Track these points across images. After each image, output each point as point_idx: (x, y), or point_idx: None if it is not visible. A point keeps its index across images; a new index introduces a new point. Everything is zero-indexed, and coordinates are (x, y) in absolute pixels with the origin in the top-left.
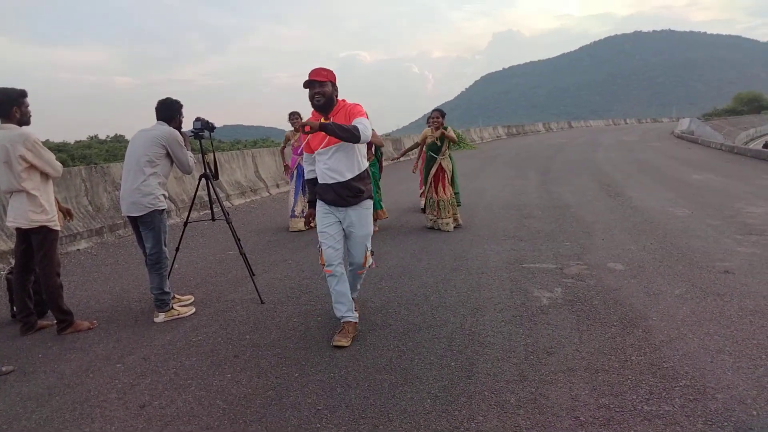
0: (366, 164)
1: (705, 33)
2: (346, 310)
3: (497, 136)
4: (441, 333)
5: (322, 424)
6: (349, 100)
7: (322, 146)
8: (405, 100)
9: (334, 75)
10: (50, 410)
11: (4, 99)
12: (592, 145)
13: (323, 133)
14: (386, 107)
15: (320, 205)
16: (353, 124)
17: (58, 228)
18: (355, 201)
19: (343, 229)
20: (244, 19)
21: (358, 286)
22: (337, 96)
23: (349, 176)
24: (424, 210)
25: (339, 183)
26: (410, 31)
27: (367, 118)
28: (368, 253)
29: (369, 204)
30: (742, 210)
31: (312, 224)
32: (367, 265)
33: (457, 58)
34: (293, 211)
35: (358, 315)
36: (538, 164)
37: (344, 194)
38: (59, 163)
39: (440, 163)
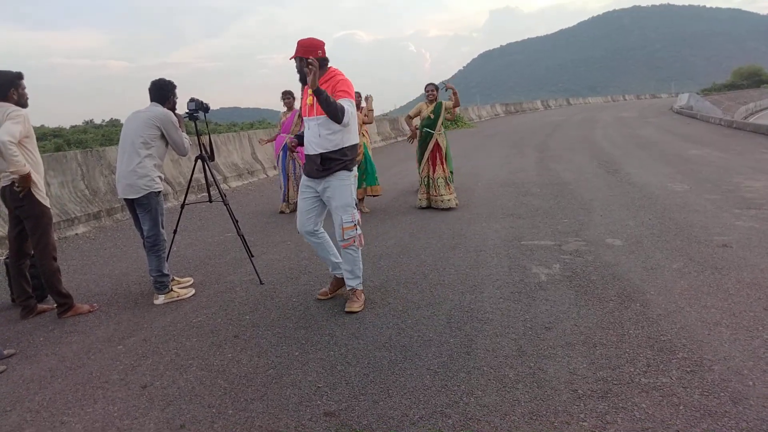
0: (354, 139)
1: (704, 7)
2: (332, 269)
3: (495, 114)
4: (440, 310)
5: (323, 401)
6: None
7: (310, 114)
8: (402, 80)
9: (316, 46)
10: (53, 392)
11: (1, 81)
12: (590, 122)
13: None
14: (383, 87)
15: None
16: (341, 104)
17: (47, 204)
18: (325, 174)
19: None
20: (239, 1)
21: (350, 267)
22: (327, 65)
23: (330, 149)
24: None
25: (317, 155)
26: (407, 9)
27: (354, 99)
28: (346, 226)
29: (344, 175)
30: (741, 184)
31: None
32: (345, 238)
33: (454, 36)
34: (285, 195)
35: (357, 284)
36: (537, 142)
37: (315, 167)
38: (10, 134)
39: (436, 140)
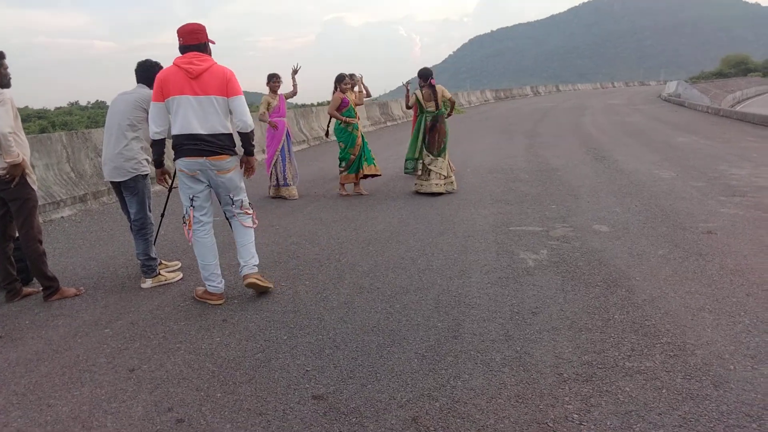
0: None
1: None
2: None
3: (485, 100)
4: (428, 295)
5: (311, 384)
6: (327, 64)
7: None
8: (392, 64)
9: (178, 34)
10: (39, 375)
11: None
12: (579, 108)
13: None
14: (373, 71)
15: None
16: None
17: (35, 187)
18: None
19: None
20: None
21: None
22: (182, 52)
23: None
24: (447, 175)
25: None
26: None
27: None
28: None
29: None
30: (726, 172)
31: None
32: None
33: (444, 21)
34: (285, 178)
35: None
36: (526, 128)
37: None
38: (8, 124)
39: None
